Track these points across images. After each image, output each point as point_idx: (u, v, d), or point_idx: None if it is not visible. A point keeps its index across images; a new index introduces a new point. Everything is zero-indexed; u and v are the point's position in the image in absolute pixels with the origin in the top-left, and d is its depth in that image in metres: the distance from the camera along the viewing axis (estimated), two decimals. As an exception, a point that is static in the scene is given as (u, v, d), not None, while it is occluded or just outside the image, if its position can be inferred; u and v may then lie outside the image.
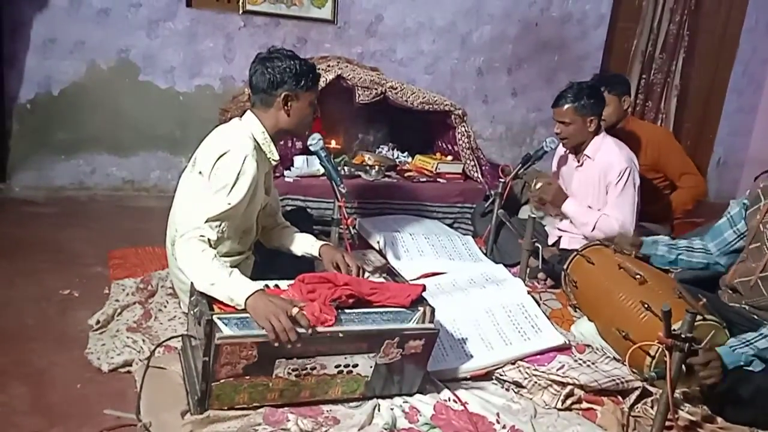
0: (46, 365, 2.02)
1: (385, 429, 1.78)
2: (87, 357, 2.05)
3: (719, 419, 1.95)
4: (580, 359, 2.15)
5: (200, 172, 2.08)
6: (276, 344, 1.64)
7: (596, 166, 2.95)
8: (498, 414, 1.88)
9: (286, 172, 3.37)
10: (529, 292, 2.51)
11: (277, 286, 1.87)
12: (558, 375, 2.02)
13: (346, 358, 1.77)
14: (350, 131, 4.04)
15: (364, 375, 1.81)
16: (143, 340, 2.14)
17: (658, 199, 3.34)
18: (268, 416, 1.74)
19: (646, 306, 2.05)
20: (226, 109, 3.63)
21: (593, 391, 2.00)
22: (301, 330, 1.67)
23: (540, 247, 2.80)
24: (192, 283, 1.82)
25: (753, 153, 5.73)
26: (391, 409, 1.85)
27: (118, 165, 4.12)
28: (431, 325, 1.84)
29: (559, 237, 3.15)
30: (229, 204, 1.97)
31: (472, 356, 2.13)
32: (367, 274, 2.11)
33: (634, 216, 2.90)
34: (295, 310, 1.67)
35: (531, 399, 2.02)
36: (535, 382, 2.04)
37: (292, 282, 1.86)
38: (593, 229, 2.91)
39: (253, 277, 1.84)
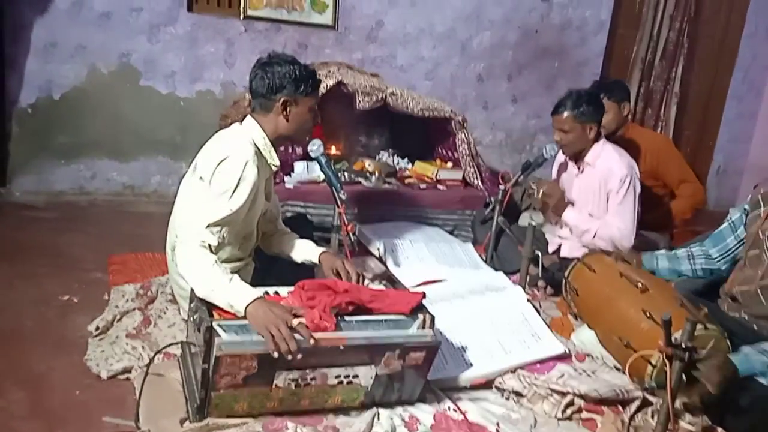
0: (45, 371, 2.01)
1: (385, 438, 1.77)
2: (86, 363, 2.05)
3: (720, 429, 1.95)
4: (581, 368, 2.15)
5: (201, 178, 2.07)
6: (275, 355, 1.64)
7: (597, 173, 2.95)
8: (498, 423, 1.88)
9: (286, 178, 3.37)
10: (529, 300, 2.51)
11: (276, 292, 1.87)
12: (558, 384, 2.02)
13: (346, 369, 1.76)
14: (350, 137, 4.04)
15: (364, 385, 1.81)
16: (143, 347, 2.13)
17: (657, 206, 3.34)
18: (267, 425, 1.74)
19: (647, 314, 2.05)
20: (227, 115, 3.62)
21: (593, 400, 2.00)
22: (300, 340, 1.66)
23: (540, 254, 2.79)
24: (192, 289, 1.82)
25: (753, 160, 5.73)
26: (391, 418, 1.85)
27: (119, 170, 4.12)
28: (432, 337, 1.83)
29: (560, 245, 3.15)
30: (230, 209, 1.97)
31: (471, 365, 2.12)
32: (367, 281, 2.11)
33: (635, 224, 2.90)
34: (295, 321, 1.67)
35: (531, 408, 2.01)
36: (535, 392, 2.04)
37: (291, 288, 1.86)
38: (594, 237, 2.92)
39: (253, 284, 1.84)
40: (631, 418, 1.96)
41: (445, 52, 4.70)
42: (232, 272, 1.85)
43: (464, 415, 1.89)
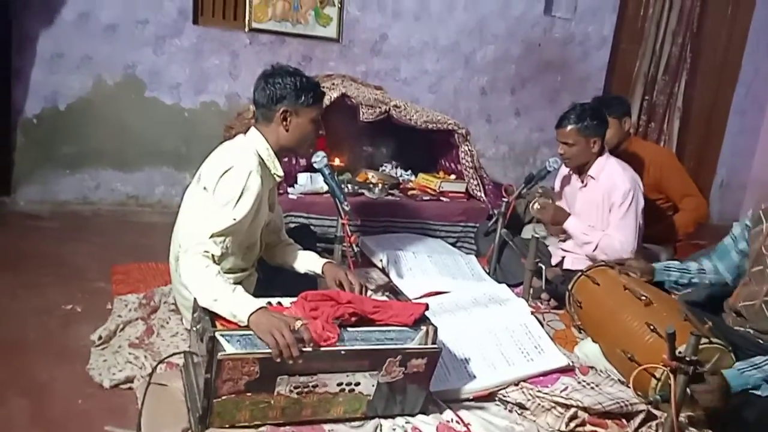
0: (47, 380, 2.01)
1: (387, 449, 1.77)
2: (89, 372, 2.05)
3: (724, 443, 1.94)
4: (584, 381, 2.14)
5: (205, 188, 2.08)
6: (278, 359, 1.64)
7: (600, 187, 2.95)
8: (501, 435, 1.87)
9: (289, 189, 3.38)
10: (532, 313, 2.51)
11: (279, 303, 1.87)
12: (561, 397, 2.01)
13: (348, 375, 1.76)
14: (354, 149, 4.05)
15: (366, 394, 1.80)
16: (145, 357, 2.13)
17: (660, 220, 3.33)
18: (270, 435, 1.73)
19: (651, 328, 2.04)
20: (231, 126, 3.64)
21: (597, 413, 1.98)
22: (302, 344, 1.66)
23: (543, 267, 2.79)
24: (195, 299, 1.82)
25: (756, 174, 5.73)
26: (393, 429, 1.84)
27: (123, 180, 4.13)
28: (433, 345, 1.82)
29: (563, 257, 3.14)
30: (234, 219, 1.98)
31: (474, 377, 2.11)
32: (369, 293, 2.11)
33: (637, 238, 2.89)
34: (297, 324, 1.67)
35: (534, 421, 2.00)
36: (539, 404, 2.03)
37: (294, 299, 1.86)
38: (595, 249, 2.91)
39: (256, 294, 1.84)
40: (635, 431, 1.95)
41: (449, 65, 4.72)
42: (235, 282, 1.86)
43: (467, 427, 1.88)
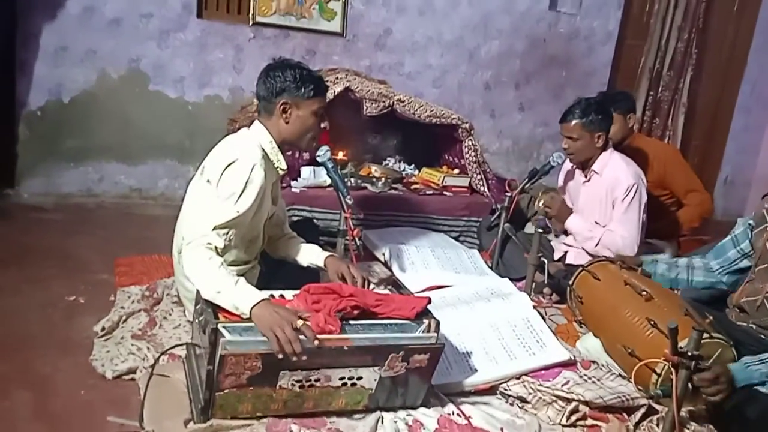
0: (51, 371, 2.02)
1: (389, 442, 1.77)
2: (91, 363, 2.06)
3: (725, 439, 1.94)
4: (586, 375, 2.14)
5: (208, 181, 2.09)
6: (280, 356, 1.64)
7: (603, 182, 2.95)
8: (502, 429, 1.88)
9: (293, 183, 3.38)
10: (534, 307, 2.50)
11: (282, 296, 1.87)
12: (563, 391, 2.01)
13: (350, 370, 1.76)
14: (357, 143, 4.05)
15: (368, 387, 1.81)
16: (148, 348, 2.14)
17: (664, 215, 3.33)
18: (271, 426, 1.74)
19: (652, 323, 2.04)
20: (235, 120, 3.65)
21: (598, 407, 1.99)
22: (305, 341, 1.66)
23: (546, 261, 2.79)
24: (197, 291, 1.83)
25: (761, 172, 5.71)
26: (395, 421, 1.84)
27: (126, 173, 4.14)
28: (436, 340, 1.83)
29: (565, 252, 3.14)
30: (237, 212, 1.98)
31: (476, 370, 2.12)
32: (372, 286, 2.11)
33: (640, 233, 2.89)
34: (299, 322, 1.67)
35: (535, 414, 2.00)
36: (540, 398, 2.03)
37: (297, 292, 1.86)
38: (597, 245, 2.91)
39: (259, 287, 1.84)
40: (636, 425, 1.96)
41: (453, 60, 4.71)
42: (238, 275, 1.86)
43: (468, 420, 1.89)
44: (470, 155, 3.72)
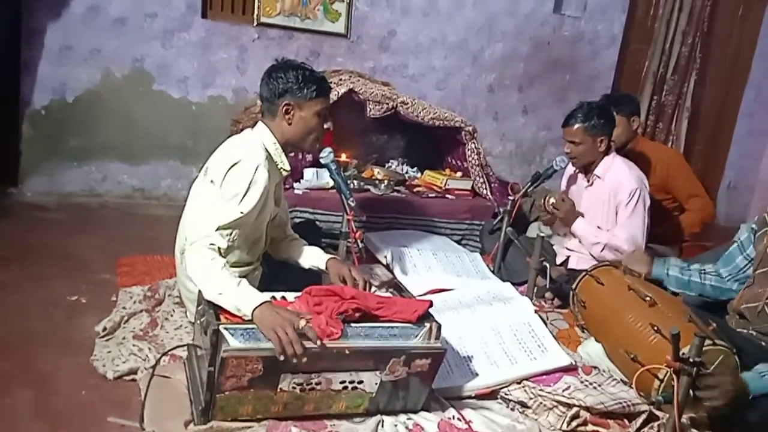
0: (52, 370, 2.02)
1: (389, 445, 1.77)
2: (92, 363, 2.06)
3: (726, 445, 1.93)
4: (587, 381, 2.13)
5: (212, 181, 2.09)
6: (281, 357, 1.64)
7: (606, 186, 2.94)
8: (502, 433, 1.87)
9: (295, 184, 3.38)
10: (536, 311, 2.50)
11: (284, 297, 1.87)
12: (564, 396, 2.01)
13: (351, 374, 1.76)
14: (360, 145, 4.05)
15: (369, 391, 1.81)
16: (149, 349, 2.14)
17: (666, 220, 3.32)
18: (272, 429, 1.74)
19: (655, 328, 2.03)
20: (238, 120, 3.65)
21: (599, 413, 1.98)
22: (307, 343, 1.66)
23: (548, 266, 2.78)
24: (199, 292, 1.83)
25: (764, 177, 5.70)
26: (395, 425, 1.84)
27: (129, 173, 4.14)
28: (438, 344, 1.82)
29: (568, 257, 3.14)
30: (241, 213, 1.98)
31: (477, 374, 2.11)
32: (374, 289, 2.11)
33: (644, 237, 2.89)
34: (302, 323, 1.67)
35: (536, 420, 2.00)
36: (541, 403, 2.03)
37: (299, 294, 1.86)
38: (602, 249, 2.90)
39: (261, 288, 1.85)
40: (637, 432, 1.95)
41: (457, 62, 4.71)
42: (240, 276, 1.86)
43: (468, 424, 1.88)
44: (473, 158, 3.72)
